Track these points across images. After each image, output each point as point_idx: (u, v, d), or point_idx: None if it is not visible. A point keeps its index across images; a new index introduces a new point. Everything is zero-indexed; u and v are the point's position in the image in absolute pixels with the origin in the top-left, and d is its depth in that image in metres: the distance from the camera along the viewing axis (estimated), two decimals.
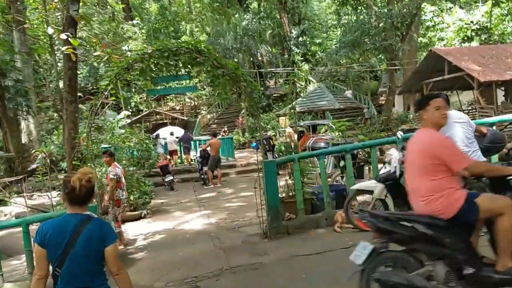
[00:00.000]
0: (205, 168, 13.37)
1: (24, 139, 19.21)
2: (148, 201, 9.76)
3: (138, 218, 8.92)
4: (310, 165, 8.10)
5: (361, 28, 21.23)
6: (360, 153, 7.58)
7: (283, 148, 15.73)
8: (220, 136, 17.53)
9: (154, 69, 5.61)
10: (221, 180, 13.32)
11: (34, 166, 15.18)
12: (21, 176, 13.66)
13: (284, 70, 30.87)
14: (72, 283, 2.28)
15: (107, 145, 8.88)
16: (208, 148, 13.32)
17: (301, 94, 33.40)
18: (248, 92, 6.01)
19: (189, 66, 5.83)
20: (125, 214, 8.98)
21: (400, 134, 5.41)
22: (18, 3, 17.14)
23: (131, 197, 8.86)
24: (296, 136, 14.02)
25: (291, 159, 6.24)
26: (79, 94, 35.05)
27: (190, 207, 9.81)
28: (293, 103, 20.32)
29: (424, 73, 9.81)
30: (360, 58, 32.29)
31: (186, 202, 10.66)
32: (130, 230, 8.12)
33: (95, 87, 37.50)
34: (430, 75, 9.67)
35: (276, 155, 14.17)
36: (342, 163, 6.88)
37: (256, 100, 6.28)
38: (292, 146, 13.69)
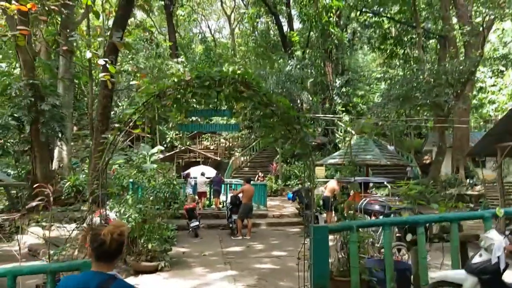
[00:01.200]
0: (234, 216, 12.18)
1: (54, 165, 18.80)
2: (168, 248, 8.62)
3: (155, 270, 7.75)
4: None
5: (411, 82, 20.11)
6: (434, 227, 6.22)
7: (321, 202, 14.40)
8: (254, 182, 16.37)
9: (190, 100, 4.66)
10: (250, 232, 12.04)
11: (34, 204, 14.34)
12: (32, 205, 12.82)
13: (327, 117, 29.88)
14: None
15: (131, 181, 7.96)
16: (240, 195, 12.19)
17: (340, 146, 32.25)
18: (301, 137, 4.91)
19: (232, 101, 4.84)
20: (140, 264, 7.87)
21: (501, 211, 4.10)
22: (68, 30, 17.12)
23: (149, 245, 7.75)
24: (336, 191, 12.68)
25: (347, 226, 4.97)
26: (116, 125, 35.34)
27: (214, 263, 8.55)
28: (336, 154, 19.03)
29: (500, 135, 8.65)
30: (404, 114, 30.99)
31: (211, 255, 9.41)
32: (143, 285, 6.95)
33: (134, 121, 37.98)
34: (508, 137, 8.51)
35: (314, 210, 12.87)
36: (409, 237, 5.55)
37: (310, 148, 5.17)
38: (332, 200, 12.35)
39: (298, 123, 4.91)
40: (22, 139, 15.39)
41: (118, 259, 2.26)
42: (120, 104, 34.75)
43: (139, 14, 40.17)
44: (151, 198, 8.04)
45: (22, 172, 15.97)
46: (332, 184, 12.85)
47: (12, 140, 15.27)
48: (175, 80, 4.62)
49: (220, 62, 43.16)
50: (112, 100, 10.90)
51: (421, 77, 20.72)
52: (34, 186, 13.14)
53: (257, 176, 23.76)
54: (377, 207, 8.22)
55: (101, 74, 9.29)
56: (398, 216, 7.41)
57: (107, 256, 2.14)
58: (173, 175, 11.26)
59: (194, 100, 4.63)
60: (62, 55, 17.32)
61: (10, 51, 17.34)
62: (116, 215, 8.33)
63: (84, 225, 6.18)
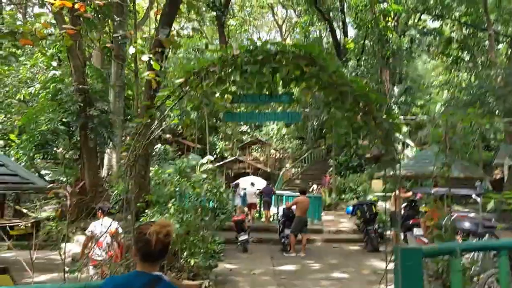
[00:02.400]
0: (287, 231, 11.02)
1: (104, 173, 18.61)
2: (214, 265, 7.63)
3: None
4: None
5: (483, 87, 18.09)
6: None
7: (383, 218, 12.88)
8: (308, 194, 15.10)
9: (238, 81, 3.66)
10: (305, 248, 10.81)
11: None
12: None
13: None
14: None
15: (171, 188, 7.13)
16: (294, 207, 11.02)
17: (397, 158, 30.06)
18: (385, 130, 3.75)
19: (292, 83, 3.78)
20: (181, 282, 6.91)
21: None
22: (120, 37, 16.92)
23: (192, 261, 6.79)
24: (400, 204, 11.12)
25: (448, 250, 3.68)
26: (167, 135, 34.96)
27: (265, 284, 7.44)
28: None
29: None
30: (471, 124, 28.45)
31: (261, 274, 8.32)
32: None
33: (184, 131, 38.11)
34: None
35: (376, 227, 11.41)
36: None
37: (395, 148, 4.01)
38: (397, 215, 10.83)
39: (380, 110, 3.74)
40: (72, 146, 15.21)
41: (164, 259, 2.23)
42: (171, 114, 34.91)
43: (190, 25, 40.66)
44: (195, 206, 7.10)
45: (70, 179, 15.79)
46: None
47: (62, 147, 15.11)
48: (220, 55, 3.64)
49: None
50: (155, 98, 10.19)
51: (494, 81, 18.66)
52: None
53: (311, 188, 22.43)
54: (467, 225, 6.74)
55: (145, 73, 8.57)
56: (494, 238, 5.96)
57: (152, 256, 2.07)
58: (221, 181, 10.31)
59: (244, 80, 3.62)
60: (115, 60, 17.17)
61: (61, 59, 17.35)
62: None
63: (86, 233, 5.84)
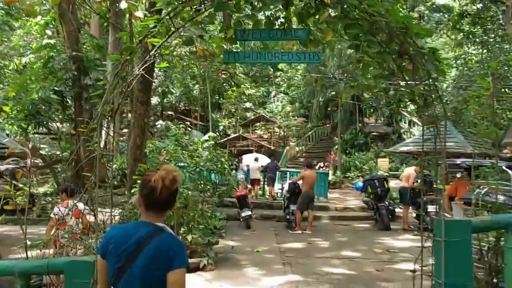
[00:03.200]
0: (292, 207, 10.36)
1: (102, 145, 17.96)
2: (214, 242, 7.00)
3: (196, 268, 6.12)
4: None
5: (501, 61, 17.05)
6: None
7: (394, 195, 12.22)
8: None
9: (244, 6, 2.90)
10: (311, 226, 10.17)
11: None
12: None
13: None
14: None
15: (167, 158, 6.42)
16: (300, 182, 10.33)
17: (404, 136, 29.49)
18: (428, 71, 3.00)
19: (311, 15, 3.02)
20: None
21: None
22: (117, 4, 15.93)
23: (189, 238, 6.14)
24: (411, 181, 10.39)
25: (502, 223, 2.97)
26: (170, 112, 34.26)
27: (270, 263, 6.80)
28: (408, 141, 16.57)
29: None
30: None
31: (265, 252, 7.69)
32: None
33: (186, 108, 37.26)
34: None
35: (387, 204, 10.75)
36: None
37: (441, 96, 3.28)
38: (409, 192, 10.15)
39: (420, 50, 2.97)
40: (67, 118, 14.51)
41: (170, 209, 2.02)
42: (173, 90, 34.06)
43: None
44: (194, 178, 6.40)
45: (66, 152, 15.15)
46: (409, 170, 10.59)
47: (56, 118, 14.40)
48: None
49: (276, 49, 41.38)
50: (153, 68, 9.40)
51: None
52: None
53: (318, 166, 21.71)
54: (502, 198, 6.04)
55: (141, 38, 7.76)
56: None
57: (157, 205, 1.92)
58: (223, 151, 9.59)
59: (252, 7, 2.87)
60: (113, 28, 16.27)
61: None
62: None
63: (51, 215, 5.41)
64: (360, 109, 30.70)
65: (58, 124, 14.81)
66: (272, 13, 3.10)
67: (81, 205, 5.01)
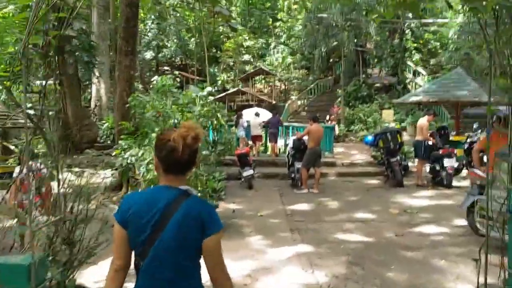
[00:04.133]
0: (298, 165, 9.55)
1: (92, 105, 17.00)
2: (214, 206, 6.22)
3: None
4: None
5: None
6: None
7: (405, 149, 11.35)
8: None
9: None
10: (318, 184, 9.40)
11: None
12: None
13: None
14: (156, 279, 1.66)
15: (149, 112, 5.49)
16: (305, 137, 9.45)
17: (408, 86, 28.50)
18: None
19: None
20: None
21: None
22: None
23: None
24: (424, 131, 9.47)
25: None
26: (166, 67, 33.02)
27: (276, 229, 6.05)
28: (419, 90, 15.49)
29: None
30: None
31: (270, 216, 6.95)
32: None
33: (183, 63, 35.78)
34: None
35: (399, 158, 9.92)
36: None
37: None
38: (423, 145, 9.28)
39: None
40: (51, 73, 13.39)
41: (191, 170, 1.83)
42: (168, 44, 32.49)
43: None
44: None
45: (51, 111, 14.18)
46: (422, 121, 9.64)
47: (38, 75, 13.29)
48: None
49: None
50: (138, 11, 8.24)
51: None
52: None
53: (327, 118, 20.85)
54: None
55: None
56: None
57: (179, 167, 1.72)
58: (219, 103, 8.55)
59: None
60: None
61: None
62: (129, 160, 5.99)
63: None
64: (363, 59, 29.36)
65: (42, 81, 13.74)
66: None
67: (44, 170, 4.46)
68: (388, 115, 23.89)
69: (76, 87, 13.29)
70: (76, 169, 12.53)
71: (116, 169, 9.32)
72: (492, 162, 5.35)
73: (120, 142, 6.66)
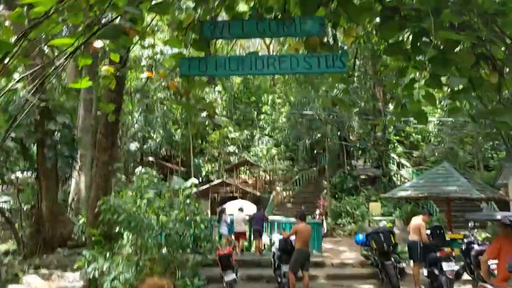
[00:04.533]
0: (284, 268, 8.87)
1: (70, 198, 16.31)
2: None
3: None
4: None
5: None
6: None
7: (399, 249, 10.79)
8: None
9: None
10: None
11: None
12: None
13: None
14: None
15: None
16: (292, 237, 8.91)
17: (394, 179, 28.67)
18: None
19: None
20: None
21: None
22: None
23: None
24: (424, 231, 9.05)
25: None
26: (150, 158, 32.77)
27: None
28: (406, 185, 15.34)
29: None
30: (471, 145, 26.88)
31: None
32: None
33: (168, 154, 35.78)
34: None
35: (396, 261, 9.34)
36: None
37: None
38: (419, 246, 8.80)
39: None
40: (29, 167, 12.96)
41: None
42: (154, 136, 32.75)
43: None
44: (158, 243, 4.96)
45: (27, 205, 13.48)
46: (417, 220, 9.26)
47: (15, 168, 12.85)
48: None
49: (259, 92, 40.88)
50: (121, 106, 8.12)
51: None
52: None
53: (315, 214, 20.32)
54: None
55: (103, 68, 6.52)
56: None
57: None
58: (198, 206, 7.97)
59: None
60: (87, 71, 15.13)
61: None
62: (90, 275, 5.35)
63: None
64: (347, 151, 29.83)
65: (19, 174, 13.25)
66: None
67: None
68: (375, 208, 23.54)
69: (54, 181, 12.75)
70: (44, 271, 11.53)
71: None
72: (504, 274, 4.84)
73: (84, 252, 6.02)
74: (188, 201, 6.37)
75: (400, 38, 1.93)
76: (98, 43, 6.05)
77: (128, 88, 29.78)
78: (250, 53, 1.97)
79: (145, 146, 32.22)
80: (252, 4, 1.97)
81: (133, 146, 31.11)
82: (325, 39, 2.03)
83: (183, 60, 2.04)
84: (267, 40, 47.07)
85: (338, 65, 1.99)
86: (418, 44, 1.70)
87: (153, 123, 31.83)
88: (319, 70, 2.02)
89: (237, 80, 44.24)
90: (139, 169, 28.21)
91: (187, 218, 5.74)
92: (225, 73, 2.09)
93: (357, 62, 30.05)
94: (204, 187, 26.22)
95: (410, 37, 1.87)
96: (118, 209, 5.23)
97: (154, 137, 33.05)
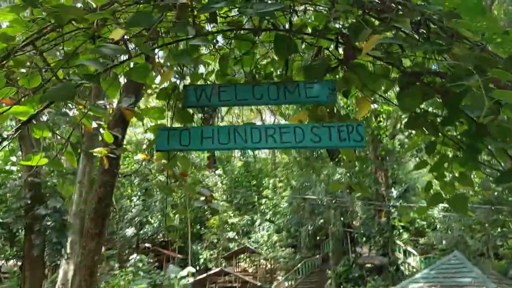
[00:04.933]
0: None
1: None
2: None
3: None
4: None
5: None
6: None
7: None
8: None
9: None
10: None
11: None
12: None
13: None
14: None
15: None
16: None
17: (401, 268, 27.27)
18: None
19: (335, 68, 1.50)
20: None
21: None
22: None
23: None
24: None
25: None
26: (147, 244, 31.51)
27: None
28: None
29: None
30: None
31: None
32: None
33: (165, 239, 34.50)
34: None
35: None
36: None
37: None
38: None
39: None
40: (14, 254, 12.20)
41: None
42: (152, 221, 31.83)
43: None
44: None
45: None
46: None
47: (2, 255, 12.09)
48: None
49: (260, 176, 40.70)
50: (112, 190, 7.69)
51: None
52: None
53: None
54: None
55: (96, 150, 6.22)
56: None
57: None
58: None
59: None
60: (84, 154, 14.96)
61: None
62: None
63: None
64: (351, 237, 28.70)
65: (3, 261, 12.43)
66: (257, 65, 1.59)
67: None
68: None
69: (40, 270, 11.91)
70: None
71: None
72: None
73: None
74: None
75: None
76: (94, 125, 5.78)
77: (127, 171, 29.66)
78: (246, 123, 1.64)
79: (141, 232, 31.20)
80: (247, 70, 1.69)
81: (130, 231, 30.13)
82: (335, 109, 1.71)
83: (161, 132, 1.69)
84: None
85: (355, 138, 1.62)
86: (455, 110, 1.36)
87: (151, 207, 31.15)
88: (331, 143, 1.61)
89: (238, 164, 44.40)
90: (134, 257, 26.95)
91: None
92: (213, 147, 1.72)
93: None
94: (202, 276, 24.79)
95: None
96: None
97: (152, 222, 32.17)
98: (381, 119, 28.00)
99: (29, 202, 11.32)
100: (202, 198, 6.83)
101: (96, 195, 7.72)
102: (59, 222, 11.81)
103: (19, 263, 12.37)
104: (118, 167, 7.78)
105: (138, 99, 8.33)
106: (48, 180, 11.95)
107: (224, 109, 42.76)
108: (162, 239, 34.58)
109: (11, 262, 13.34)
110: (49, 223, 11.47)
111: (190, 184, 6.23)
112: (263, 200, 36.41)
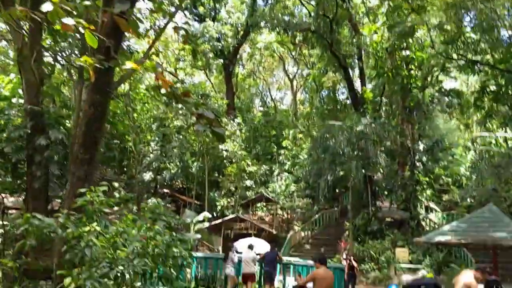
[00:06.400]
0: None
1: None
2: None
3: None
4: None
5: None
6: None
7: None
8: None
9: None
10: None
11: None
12: None
13: None
14: None
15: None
16: (310, 285, 7.10)
17: (423, 223, 26.31)
18: None
19: None
20: None
21: None
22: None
23: None
24: None
25: None
26: (165, 190, 31.09)
27: None
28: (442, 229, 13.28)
29: None
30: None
31: None
32: None
33: (183, 185, 34.37)
34: None
35: None
36: None
37: None
38: None
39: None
40: (17, 187, 11.67)
41: None
42: (170, 166, 31.48)
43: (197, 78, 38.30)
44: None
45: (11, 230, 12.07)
46: (468, 278, 7.21)
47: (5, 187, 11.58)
48: None
49: (280, 127, 39.59)
50: (104, 112, 6.72)
51: None
52: None
53: (345, 256, 17.09)
54: None
55: (80, 58, 5.15)
56: None
57: None
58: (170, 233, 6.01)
59: None
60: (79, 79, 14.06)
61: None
62: None
63: None
64: (372, 191, 27.69)
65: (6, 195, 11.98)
66: None
67: None
68: (402, 254, 21.26)
69: (42, 203, 11.35)
70: None
71: None
72: None
73: None
74: (160, 225, 4.74)
75: None
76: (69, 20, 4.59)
77: (144, 119, 28.98)
78: None
79: (159, 177, 30.98)
80: None
81: (148, 176, 29.93)
82: None
83: None
84: (291, 75, 46.44)
85: None
86: None
87: (170, 153, 30.68)
88: None
89: (258, 114, 43.29)
90: (150, 201, 26.85)
91: (156, 251, 4.15)
92: None
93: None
94: (217, 221, 24.49)
95: None
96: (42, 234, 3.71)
97: (170, 168, 31.86)
98: (413, 66, 26.04)
99: (29, 132, 10.58)
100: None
101: (85, 116, 6.79)
102: (62, 154, 11.13)
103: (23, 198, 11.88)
104: (110, 84, 6.79)
105: (134, 3, 7.12)
106: (47, 108, 11.14)
107: (244, 56, 41.12)
108: (180, 186, 34.51)
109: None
110: (51, 155, 10.78)
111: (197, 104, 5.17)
112: (282, 151, 35.57)
